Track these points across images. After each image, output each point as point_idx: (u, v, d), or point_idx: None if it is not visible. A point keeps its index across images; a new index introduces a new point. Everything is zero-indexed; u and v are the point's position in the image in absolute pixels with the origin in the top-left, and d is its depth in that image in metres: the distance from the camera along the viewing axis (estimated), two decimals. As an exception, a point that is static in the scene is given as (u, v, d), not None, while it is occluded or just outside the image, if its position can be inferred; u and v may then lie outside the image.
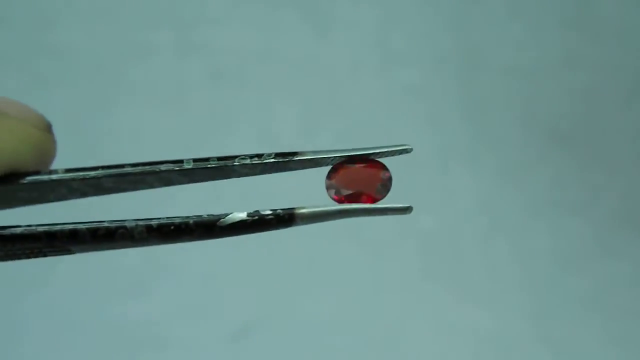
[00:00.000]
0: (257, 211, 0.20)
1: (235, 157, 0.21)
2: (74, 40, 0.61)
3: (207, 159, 0.21)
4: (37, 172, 0.20)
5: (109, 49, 0.61)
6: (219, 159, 0.21)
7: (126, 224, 0.20)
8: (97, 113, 0.60)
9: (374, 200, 0.21)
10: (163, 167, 0.21)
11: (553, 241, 0.63)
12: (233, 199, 0.53)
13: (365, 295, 0.60)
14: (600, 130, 0.66)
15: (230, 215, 0.20)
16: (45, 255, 0.20)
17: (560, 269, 0.62)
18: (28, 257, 0.20)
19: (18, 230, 0.19)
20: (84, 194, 0.21)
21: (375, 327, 0.58)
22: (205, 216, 0.20)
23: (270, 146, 0.62)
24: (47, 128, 0.21)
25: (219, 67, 0.62)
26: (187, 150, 0.61)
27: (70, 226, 0.19)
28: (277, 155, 0.21)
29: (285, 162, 0.21)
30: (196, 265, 0.59)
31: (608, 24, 0.66)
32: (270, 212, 0.20)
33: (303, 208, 0.20)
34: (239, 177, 0.21)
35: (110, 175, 0.21)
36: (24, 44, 0.60)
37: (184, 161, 0.21)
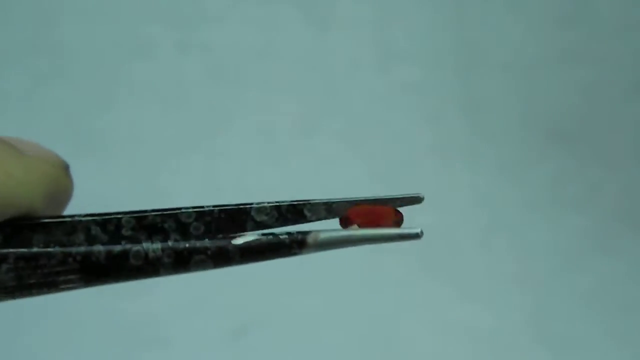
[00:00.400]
0: (272, 233, 0.20)
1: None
2: (74, 38, 0.61)
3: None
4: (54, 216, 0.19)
5: (109, 47, 0.61)
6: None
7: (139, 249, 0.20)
8: (97, 111, 0.60)
9: None
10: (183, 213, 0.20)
11: (552, 238, 0.63)
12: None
13: (363, 292, 0.60)
14: (600, 127, 0.66)
15: (243, 237, 0.20)
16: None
17: (560, 265, 0.62)
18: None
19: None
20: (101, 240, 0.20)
21: (373, 324, 0.59)
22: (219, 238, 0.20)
23: (269, 144, 0.62)
24: (65, 167, 0.20)
25: (219, 65, 0.62)
26: (186, 148, 0.61)
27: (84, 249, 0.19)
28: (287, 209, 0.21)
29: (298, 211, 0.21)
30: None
31: (607, 21, 0.66)
32: (284, 234, 0.20)
33: (318, 232, 0.20)
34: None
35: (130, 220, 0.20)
36: (24, 43, 0.60)
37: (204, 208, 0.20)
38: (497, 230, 0.63)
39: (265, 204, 0.21)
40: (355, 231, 0.20)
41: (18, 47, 0.60)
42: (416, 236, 0.20)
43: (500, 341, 0.58)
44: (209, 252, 0.20)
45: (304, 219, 0.21)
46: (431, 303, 0.60)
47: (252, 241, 0.19)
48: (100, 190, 0.56)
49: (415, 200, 0.21)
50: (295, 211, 0.21)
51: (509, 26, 0.66)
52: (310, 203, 0.21)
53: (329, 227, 0.21)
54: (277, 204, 0.21)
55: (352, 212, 0.21)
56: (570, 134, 0.65)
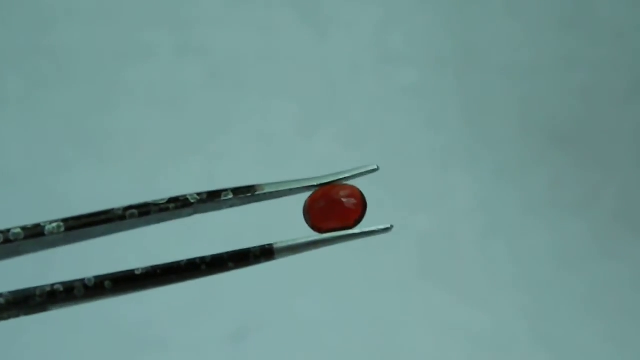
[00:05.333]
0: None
1: (183, 198, 0.20)
2: (73, 41, 0.61)
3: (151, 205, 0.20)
4: None
5: (107, 50, 0.61)
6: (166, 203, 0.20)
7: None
8: (96, 114, 0.60)
9: (354, 223, 0.21)
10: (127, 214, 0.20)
11: (551, 241, 0.63)
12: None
13: (362, 295, 0.60)
14: (599, 130, 0.66)
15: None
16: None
17: (558, 268, 0.62)
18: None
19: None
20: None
21: (371, 327, 0.58)
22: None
23: (268, 147, 0.62)
24: None
25: (217, 68, 0.62)
26: (185, 151, 0.61)
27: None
28: (235, 191, 0.21)
29: (247, 197, 0.21)
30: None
31: (606, 24, 0.66)
32: (251, 248, 0.20)
33: (281, 243, 0.20)
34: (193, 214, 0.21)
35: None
36: (23, 45, 0.60)
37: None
38: (495, 233, 0.63)
39: (197, 199, 0.20)
40: (318, 237, 0.21)
41: (17, 50, 0.60)
42: (386, 230, 0.21)
43: (499, 344, 0.58)
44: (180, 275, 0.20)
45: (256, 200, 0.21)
46: (430, 306, 0.60)
47: (218, 257, 0.20)
48: (99, 193, 0.56)
49: (371, 171, 0.21)
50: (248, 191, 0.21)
51: (508, 29, 0.66)
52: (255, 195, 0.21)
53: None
54: (221, 199, 0.21)
55: (312, 212, 0.21)
56: (569, 137, 0.65)
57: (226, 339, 0.57)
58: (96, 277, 0.20)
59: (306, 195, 0.21)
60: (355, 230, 0.21)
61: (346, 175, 0.21)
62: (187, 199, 0.20)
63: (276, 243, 0.20)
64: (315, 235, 0.21)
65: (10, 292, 0.19)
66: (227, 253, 0.20)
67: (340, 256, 0.60)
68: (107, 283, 0.20)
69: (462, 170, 0.64)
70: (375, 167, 0.21)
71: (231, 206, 0.21)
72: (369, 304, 0.59)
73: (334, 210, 0.21)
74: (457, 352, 0.58)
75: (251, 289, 0.59)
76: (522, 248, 0.63)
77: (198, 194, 0.20)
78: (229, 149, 0.61)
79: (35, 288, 0.20)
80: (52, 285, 0.20)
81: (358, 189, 0.21)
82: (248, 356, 0.57)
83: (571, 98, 0.66)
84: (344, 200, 0.21)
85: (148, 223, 0.20)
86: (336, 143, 0.62)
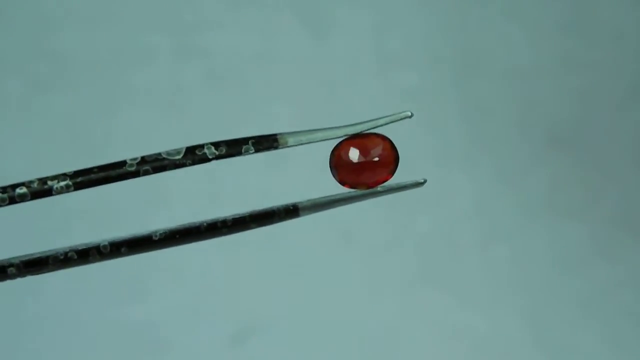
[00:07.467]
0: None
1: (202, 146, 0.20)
2: (74, 44, 0.61)
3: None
4: None
5: (108, 52, 0.61)
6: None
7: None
8: (96, 117, 0.60)
9: (384, 180, 0.20)
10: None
11: (551, 244, 0.63)
12: (233, 198, 0.53)
13: (361, 298, 0.60)
14: (599, 133, 0.66)
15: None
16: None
17: (558, 272, 0.62)
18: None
19: None
20: None
21: (371, 331, 0.58)
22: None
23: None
24: None
25: (218, 71, 0.62)
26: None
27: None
28: (257, 143, 0.20)
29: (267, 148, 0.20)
30: (195, 267, 0.59)
31: (606, 27, 0.66)
32: (275, 208, 0.20)
33: (306, 201, 0.20)
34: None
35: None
36: (24, 49, 0.60)
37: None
38: (495, 236, 0.63)
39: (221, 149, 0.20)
40: (344, 194, 0.20)
41: (18, 54, 0.60)
42: (418, 185, 0.20)
43: (498, 348, 0.58)
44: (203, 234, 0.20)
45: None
46: (429, 309, 0.60)
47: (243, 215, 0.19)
48: (99, 196, 0.56)
49: (404, 117, 0.20)
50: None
51: (507, 33, 0.66)
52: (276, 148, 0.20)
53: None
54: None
55: (339, 160, 0.20)
56: (568, 140, 0.65)
57: (227, 340, 0.57)
58: (111, 244, 0.19)
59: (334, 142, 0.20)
60: (386, 185, 0.20)
61: (378, 124, 0.20)
62: (205, 153, 0.20)
63: (301, 202, 0.19)
64: (341, 192, 0.20)
65: (22, 261, 0.19)
66: (250, 214, 0.20)
67: (341, 259, 0.60)
68: (123, 249, 0.19)
69: (461, 173, 0.64)
70: (409, 113, 0.20)
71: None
72: (369, 307, 0.59)
73: (364, 167, 0.20)
74: (456, 356, 0.58)
75: (252, 290, 0.59)
76: (521, 251, 0.63)
77: (216, 148, 0.20)
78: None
79: (48, 257, 0.19)
80: (66, 253, 0.19)
81: (390, 143, 0.20)
82: (249, 358, 0.57)
83: (570, 101, 0.66)
84: (374, 156, 0.20)
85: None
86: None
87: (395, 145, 0.20)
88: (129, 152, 0.62)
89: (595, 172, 0.65)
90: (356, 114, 0.68)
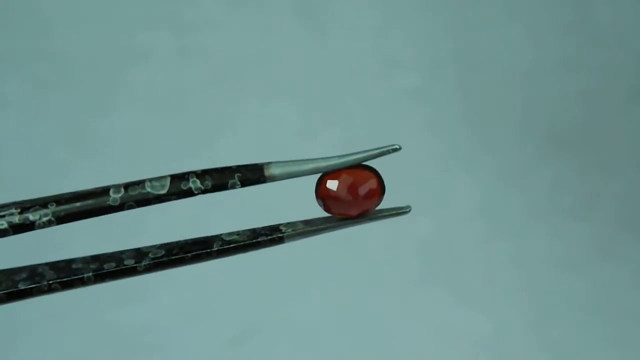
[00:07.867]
0: (251, 229, 0.20)
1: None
2: (74, 44, 0.61)
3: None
4: None
5: (107, 52, 0.61)
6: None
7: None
8: (96, 116, 0.60)
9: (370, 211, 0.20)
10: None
11: (552, 245, 0.63)
12: (227, 201, 0.53)
13: (363, 299, 0.60)
14: (600, 134, 0.66)
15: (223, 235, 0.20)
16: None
17: (560, 272, 0.62)
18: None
19: None
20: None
21: (373, 331, 0.58)
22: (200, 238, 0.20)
23: (269, 149, 0.62)
24: None
25: (218, 71, 0.62)
26: (186, 154, 0.61)
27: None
28: (243, 181, 0.20)
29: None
30: (192, 270, 0.59)
31: (607, 28, 0.66)
32: (262, 233, 0.20)
33: (291, 226, 0.20)
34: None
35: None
36: (24, 48, 0.60)
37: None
38: (497, 237, 0.63)
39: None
40: (331, 223, 0.20)
41: (18, 53, 0.60)
42: (403, 213, 0.20)
43: (500, 348, 0.58)
44: (189, 259, 0.20)
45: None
46: (431, 310, 0.60)
47: (233, 241, 0.20)
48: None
49: (393, 150, 0.20)
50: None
51: (509, 33, 0.66)
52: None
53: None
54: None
55: (326, 192, 0.20)
56: (570, 140, 0.65)
57: (225, 343, 0.57)
58: (95, 275, 0.19)
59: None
60: (369, 215, 0.20)
61: (367, 158, 0.20)
62: (191, 188, 0.20)
63: (285, 230, 0.20)
64: (327, 222, 0.20)
65: (4, 293, 0.19)
66: (235, 245, 0.20)
67: (341, 260, 0.60)
68: (107, 279, 0.19)
69: (464, 174, 0.64)
70: (397, 146, 0.20)
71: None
72: (370, 308, 0.59)
73: (352, 202, 0.20)
74: (459, 356, 0.58)
75: (251, 293, 0.58)
76: (523, 251, 0.63)
77: (202, 181, 0.20)
78: (228, 152, 0.61)
79: (31, 289, 0.19)
80: (50, 284, 0.19)
81: (377, 177, 0.20)
82: (248, 360, 0.56)
83: (572, 102, 0.66)
84: (362, 193, 0.20)
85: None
86: (336, 146, 0.62)
87: (383, 177, 0.20)
88: (129, 152, 0.62)
89: (597, 173, 0.65)
90: (357, 114, 0.68)
